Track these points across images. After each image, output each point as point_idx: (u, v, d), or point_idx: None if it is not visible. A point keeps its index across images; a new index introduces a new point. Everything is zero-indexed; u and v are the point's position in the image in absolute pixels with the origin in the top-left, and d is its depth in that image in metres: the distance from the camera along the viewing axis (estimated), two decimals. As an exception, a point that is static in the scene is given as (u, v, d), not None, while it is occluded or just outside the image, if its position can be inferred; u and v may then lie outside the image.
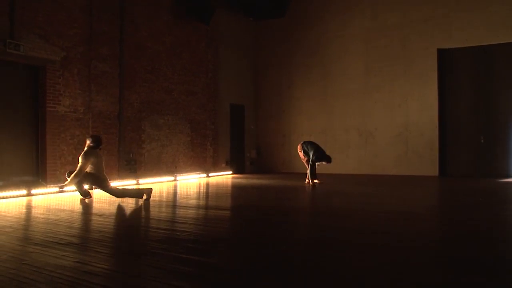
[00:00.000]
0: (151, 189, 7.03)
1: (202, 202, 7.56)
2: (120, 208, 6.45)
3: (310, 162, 9.80)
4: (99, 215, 5.82)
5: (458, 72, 12.17)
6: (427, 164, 12.17)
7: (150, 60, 10.87)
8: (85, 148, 6.91)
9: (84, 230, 4.91)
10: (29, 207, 6.43)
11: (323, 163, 9.96)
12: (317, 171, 10.05)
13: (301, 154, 10.03)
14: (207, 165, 12.80)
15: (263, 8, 14.39)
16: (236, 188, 9.77)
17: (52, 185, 8.05)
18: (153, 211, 6.22)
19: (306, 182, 9.99)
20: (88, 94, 9.26)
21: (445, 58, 12.17)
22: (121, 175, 9.89)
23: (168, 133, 11.43)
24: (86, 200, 7.01)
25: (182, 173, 11.69)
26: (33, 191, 7.65)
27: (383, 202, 7.25)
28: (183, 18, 11.93)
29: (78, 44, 9.06)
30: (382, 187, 9.61)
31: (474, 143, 11.90)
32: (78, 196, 7.22)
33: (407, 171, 12.41)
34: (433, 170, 12.09)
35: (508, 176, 11.13)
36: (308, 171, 9.89)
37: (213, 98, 13.11)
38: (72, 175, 6.69)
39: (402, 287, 2.83)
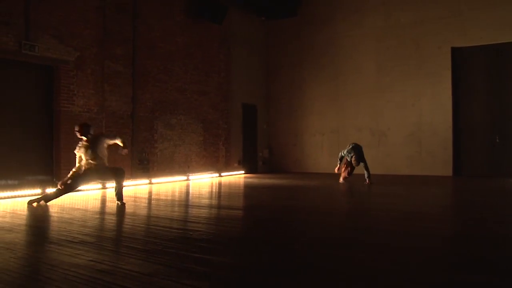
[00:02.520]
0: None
1: (214, 201, 7.58)
2: (133, 208, 6.49)
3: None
4: (113, 214, 5.87)
5: (472, 71, 12.01)
6: (440, 164, 12.04)
7: (163, 60, 10.92)
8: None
9: (97, 229, 4.96)
10: (43, 206, 6.51)
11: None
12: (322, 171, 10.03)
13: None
14: (220, 165, 12.83)
15: (275, 8, 14.36)
16: (248, 188, 9.78)
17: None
18: (166, 211, 6.25)
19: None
20: (102, 94, 9.35)
21: (459, 56, 12.02)
22: (134, 175, 9.97)
23: (181, 133, 11.48)
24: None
25: (194, 173, 11.73)
26: (48, 190, 7.73)
27: (396, 202, 7.19)
28: (196, 18, 11.97)
29: (92, 44, 9.15)
30: (395, 187, 9.53)
31: (489, 143, 11.73)
32: (91, 195, 7.29)
33: (420, 171, 12.28)
34: (447, 170, 11.95)
35: (524, 176, 10.95)
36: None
37: (226, 97, 13.13)
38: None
39: (414, 287, 2.81)
